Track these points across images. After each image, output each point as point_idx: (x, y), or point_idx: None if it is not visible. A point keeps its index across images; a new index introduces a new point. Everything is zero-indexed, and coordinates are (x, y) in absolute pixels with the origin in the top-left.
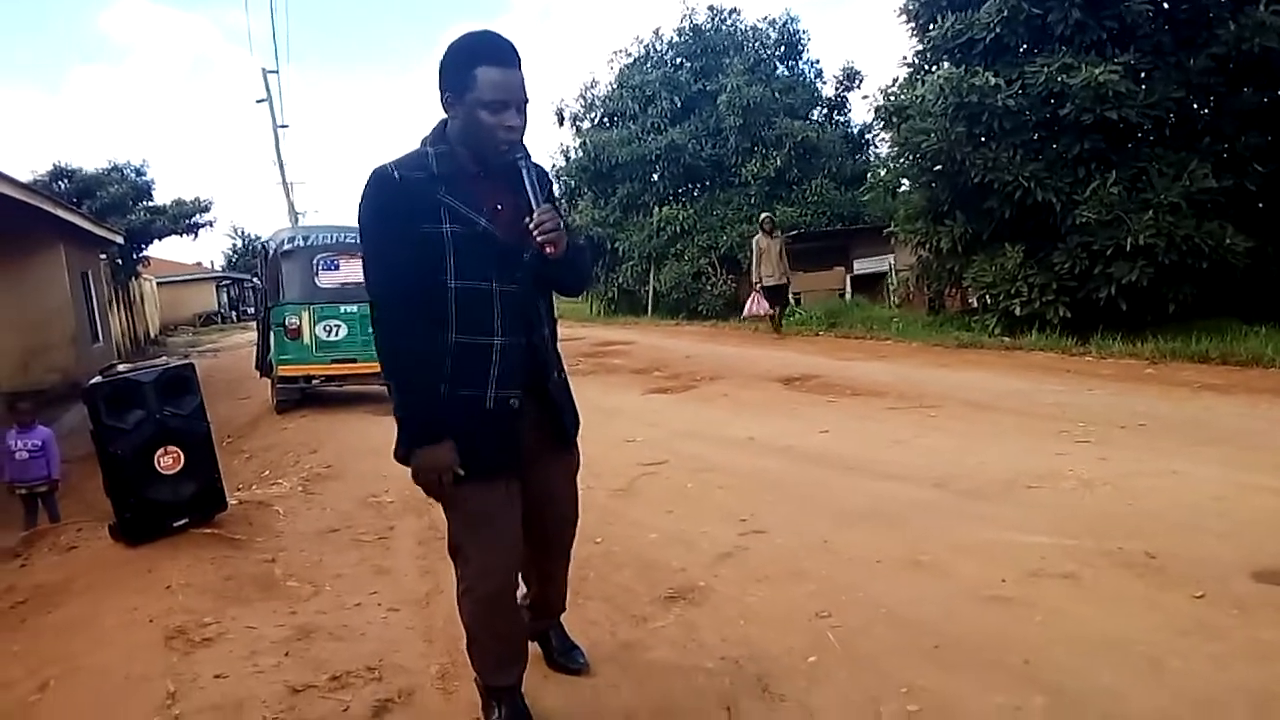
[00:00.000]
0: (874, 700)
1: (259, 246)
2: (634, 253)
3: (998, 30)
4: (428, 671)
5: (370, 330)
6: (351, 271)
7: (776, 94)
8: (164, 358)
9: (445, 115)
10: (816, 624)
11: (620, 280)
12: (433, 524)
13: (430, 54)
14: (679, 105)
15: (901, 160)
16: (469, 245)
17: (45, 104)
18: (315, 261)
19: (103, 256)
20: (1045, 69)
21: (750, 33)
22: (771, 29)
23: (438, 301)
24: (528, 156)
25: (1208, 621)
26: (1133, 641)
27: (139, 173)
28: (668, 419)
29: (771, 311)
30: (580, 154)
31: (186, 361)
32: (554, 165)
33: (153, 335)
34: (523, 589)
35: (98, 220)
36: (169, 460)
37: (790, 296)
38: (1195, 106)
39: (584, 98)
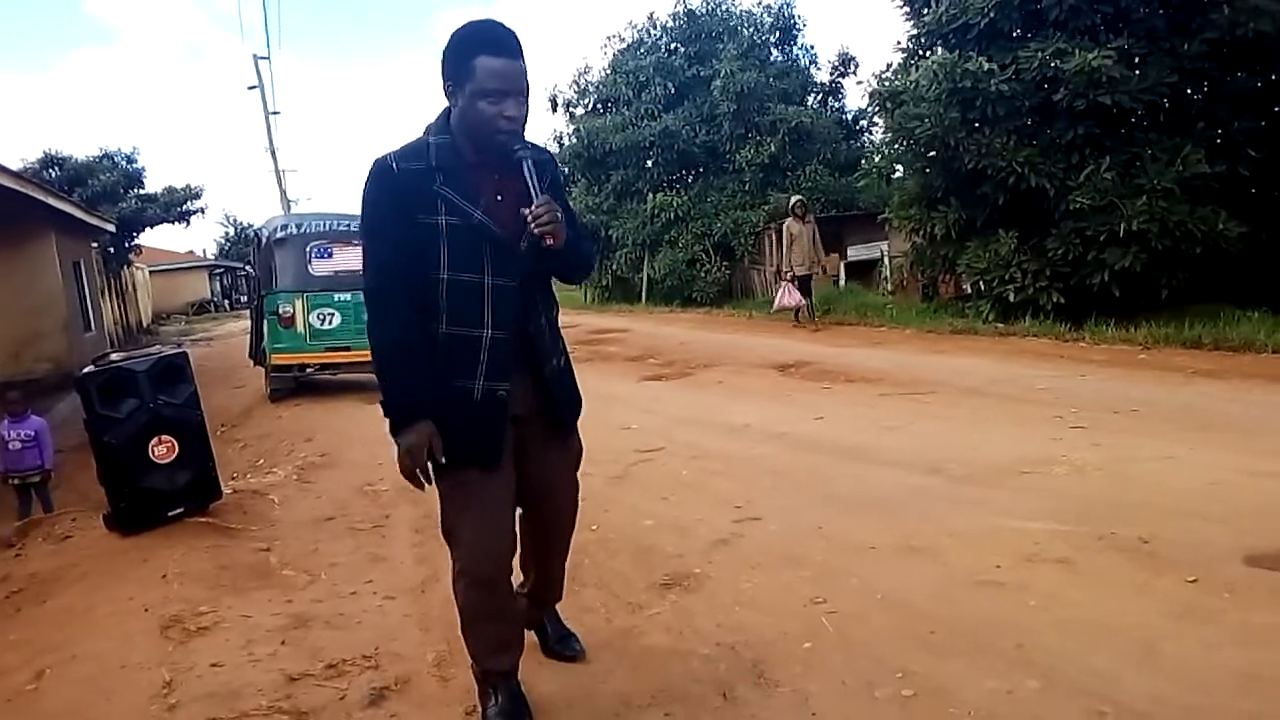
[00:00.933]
0: (869, 685)
1: (252, 234)
2: (628, 240)
3: (992, 15)
4: (424, 659)
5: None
6: (345, 259)
7: (771, 80)
8: (157, 346)
9: (448, 104)
10: (812, 610)
11: (614, 267)
12: (429, 512)
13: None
14: (673, 91)
15: (896, 146)
16: (463, 237)
17: (34, 89)
18: (308, 249)
19: (94, 245)
20: (1039, 54)
21: (745, 17)
22: (766, 14)
23: (429, 293)
24: (527, 146)
25: (1200, 605)
26: (1126, 625)
27: (130, 160)
28: (663, 406)
29: (804, 303)
30: (574, 140)
31: (180, 350)
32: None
33: (145, 324)
34: (519, 577)
35: (89, 208)
36: (163, 449)
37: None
38: (1189, 92)
39: (577, 84)
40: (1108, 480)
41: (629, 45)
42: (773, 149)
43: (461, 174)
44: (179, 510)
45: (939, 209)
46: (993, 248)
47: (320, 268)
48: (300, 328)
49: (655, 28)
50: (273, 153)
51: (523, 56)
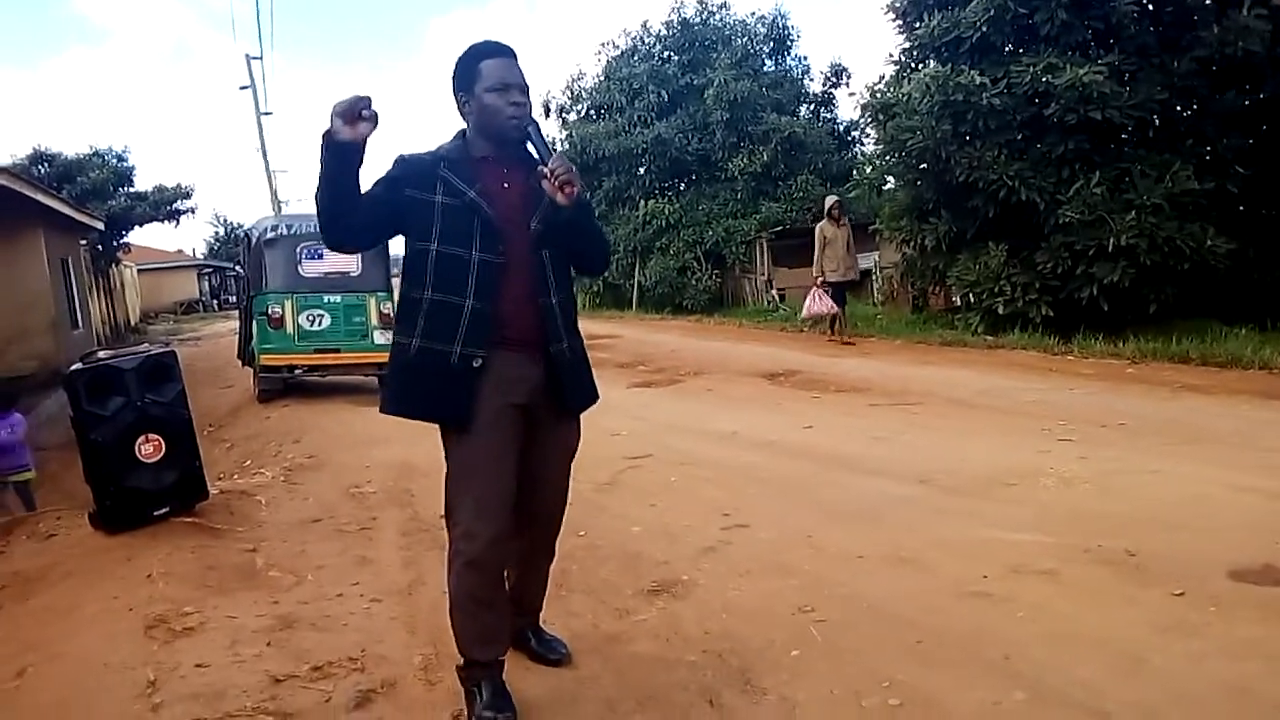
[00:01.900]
0: (856, 694)
1: (241, 234)
2: (619, 246)
3: (984, 29)
4: (410, 662)
5: (353, 320)
6: (335, 261)
7: (764, 89)
8: (145, 345)
9: (463, 121)
10: (799, 618)
11: (605, 274)
12: (415, 515)
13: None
14: (666, 99)
15: (887, 158)
16: (454, 214)
17: (24, 86)
18: (298, 250)
19: (83, 243)
20: (1031, 69)
21: (739, 27)
22: (760, 24)
23: (418, 265)
24: (535, 123)
25: (1186, 619)
26: (1112, 638)
27: (120, 158)
28: (653, 413)
29: (835, 311)
30: (566, 146)
31: (168, 349)
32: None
33: (133, 323)
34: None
35: (78, 206)
36: (150, 448)
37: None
38: (1178, 108)
39: (570, 90)
40: (1095, 493)
41: (623, 52)
42: (765, 158)
43: (464, 164)
44: (165, 510)
45: (929, 221)
46: (982, 260)
47: (310, 269)
48: (289, 329)
49: (649, 35)
50: (264, 153)
51: (518, 61)
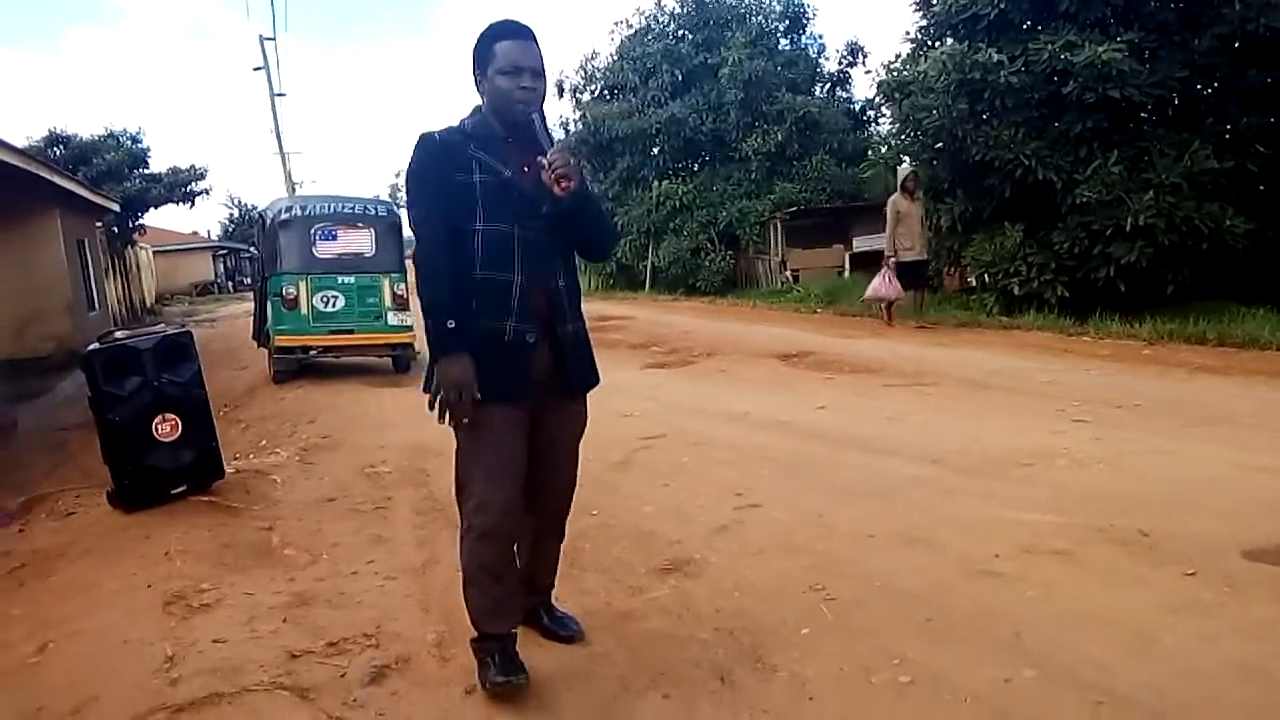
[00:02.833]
0: (866, 671)
1: (256, 216)
2: (632, 227)
3: (1002, 6)
4: (424, 639)
5: (367, 301)
6: (349, 242)
7: (779, 68)
8: (161, 325)
9: (479, 98)
10: (810, 596)
11: (619, 255)
12: (430, 495)
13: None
14: (680, 78)
15: (903, 137)
16: (495, 193)
17: (41, 67)
18: (313, 232)
19: (99, 224)
20: (1049, 46)
21: (754, 5)
22: (775, 2)
23: (466, 243)
24: (541, 112)
25: (1198, 598)
26: (1123, 617)
27: (135, 140)
28: (665, 394)
29: (902, 296)
30: (580, 126)
31: (184, 329)
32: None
33: (149, 304)
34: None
35: (94, 187)
36: (167, 427)
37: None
38: (1198, 87)
39: (584, 70)
40: (1108, 473)
41: (637, 32)
42: (779, 138)
43: (494, 143)
44: (182, 488)
45: (945, 200)
46: (998, 240)
47: (324, 250)
48: (304, 310)
49: (663, 14)
50: (278, 135)
51: (536, 42)
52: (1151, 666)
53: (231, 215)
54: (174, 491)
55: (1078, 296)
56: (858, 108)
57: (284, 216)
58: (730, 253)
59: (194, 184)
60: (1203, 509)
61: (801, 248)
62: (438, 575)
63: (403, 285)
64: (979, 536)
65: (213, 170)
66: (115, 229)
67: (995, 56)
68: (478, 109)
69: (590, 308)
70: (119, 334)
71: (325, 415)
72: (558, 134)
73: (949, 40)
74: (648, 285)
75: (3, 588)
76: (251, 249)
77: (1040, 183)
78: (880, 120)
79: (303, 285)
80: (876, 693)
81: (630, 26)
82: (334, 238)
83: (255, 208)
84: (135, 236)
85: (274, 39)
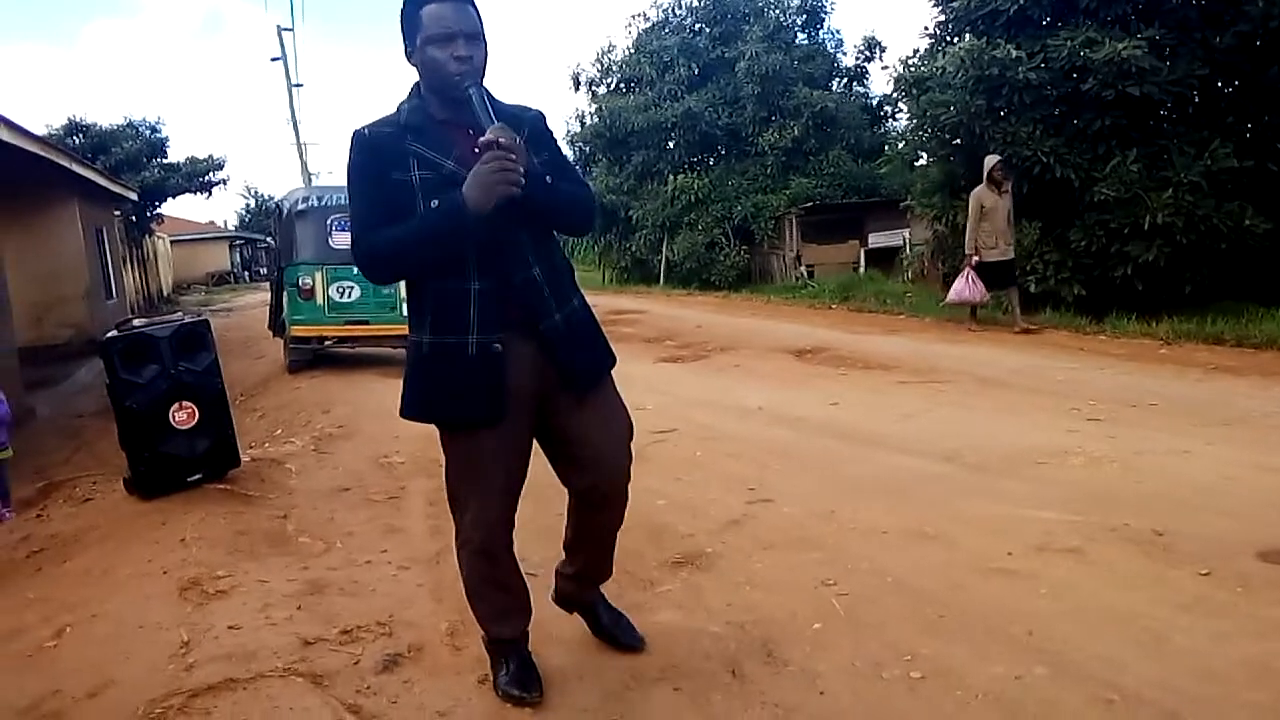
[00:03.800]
0: (877, 666)
1: (273, 206)
2: (647, 221)
3: (1021, 2)
4: (437, 628)
5: (382, 292)
6: None
7: (796, 63)
8: (179, 314)
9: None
10: (822, 591)
11: (633, 249)
12: (443, 485)
13: None
14: (696, 72)
15: (920, 133)
16: (438, 190)
17: (60, 57)
18: (329, 222)
19: (117, 213)
20: (1068, 43)
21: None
22: None
23: None
24: (479, 85)
25: (1211, 598)
26: (1136, 615)
27: (154, 129)
28: (678, 388)
29: (987, 298)
30: (595, 120)
31: (201, 318)
32: (568, 131)
33: (165, 293)
34: (530, 557)
35: (112, 176)
36: (184, 415)
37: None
38: (1219, 85)
39: (600, 63)
40: (1122, 472)
41: (654, 25)
42: (796, 133)
43: (431, 130)
44: (198, 476)
45: (961, 197)
46: (1015, 238)
47: (340, 241)
48: (319, 300)
49: (680, 7)
50: (295, 125)
51: (472, 2)
52: (1164, 665)
53: (248, 205)
54: (190, 479)
55: (1095, 295)
56: (875, 103)
57: (300, 207)
58: (745, 248)
59: (211, 174)
60: (1218, 509)
61: (816, 243)
62: (450, 565)
63: None
64: (992, 534)
65: (230, 160)
66: (133, 218)
67: (1014, 53)
68: (415, 88)
69: (603, 301)
70: (137, 322)
71: (339, 405)
72: (573, 126)
73: (967, 36)
74: (662, 279)
75: (20, 572)
76: (268, 239)
77: (1058, 180)
78: (897, 116)
79: (319, 276)
80: (887, 688)
81: (647, 20)
82: (350, 228)
83: (272, 198)
84: (153, 225)
85: (292, 29)
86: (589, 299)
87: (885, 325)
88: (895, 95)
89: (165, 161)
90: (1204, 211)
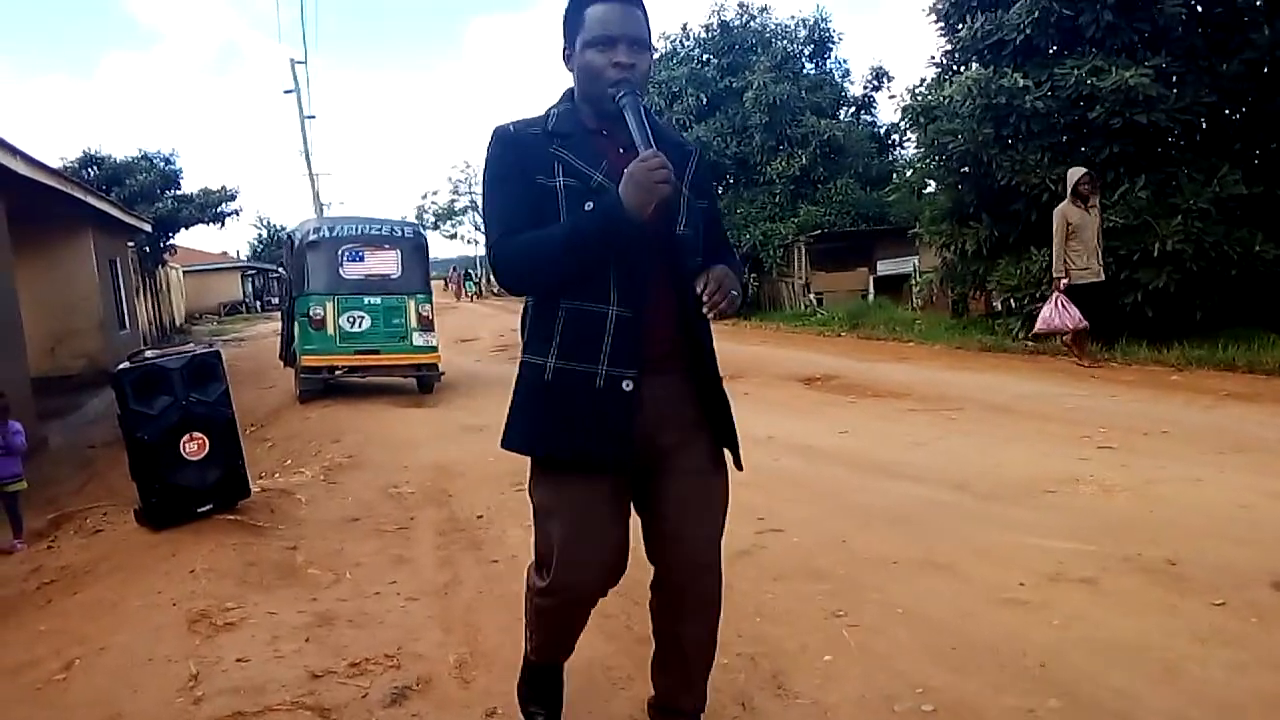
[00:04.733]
0: (889, 699)
1: (284, 237)
2: None
3: (1028, 31)
4: (446, 661)
5: (393, 322)
6: (376, 263)
7: (803, 92)
8: (190, 345)
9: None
10: (833, 623)
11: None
12: (452, 516)
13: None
14: (705, 102)
15: (927, 161)
16: (581, 201)
17: (76, 91)
18: (340, 253)
19: (130, 244)
20: (1075, 71)
21: (779, 30)
22: (801, 27)
23: None
24: (636, 94)
25: (1226, 628)
26: (1150, 646)
27: (168, 161)
28: None
29: (1084, 323)
30: None
31: (213, 349)
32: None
33: (178, 323)
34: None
35: (126, 208)
36: (194, 446)
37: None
38: (1227, 112)
39: None
40: (1134, 501)
41: (662, 56)
42: (804, 161)
43: (581, 139)
44: (208, 507)
45: (970, 225)
46: (1024, 265)
47: (351, 271)
48: (330, 330)
49: (689, 39)
50: (307, 156)
51: (640, 5)
52: (1178, 696)
53: (260, 236)
54: (200, 510)
55: (1105, 322)
56: (882, 131)
57: (312, 238)
58: (754, 275)
59: (224, 205)
60: (1231, 538)
61: (825, 271)
62: (459, 597)
63: (427, 306)
64: (1003, 564)
65: (243, 191)
66: (146, 249)
67: (1021, 81)
68: (568, 93)
69: None
70: (149, 353)
71: (349, 435)
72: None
73: (974, 65)
74: None
75: (31, 604)
76: (279, 269)
77: None
78: (905, 144)
79: (330, 305)
80: None
81: (656, 50)
82: (361, 259)
83: (284, 228)
84: (166, 256)
85: (304, 62)
86: None
87: (894, 353)
88: (903, 124)
89: (179, 193)
90: (1213, 238)
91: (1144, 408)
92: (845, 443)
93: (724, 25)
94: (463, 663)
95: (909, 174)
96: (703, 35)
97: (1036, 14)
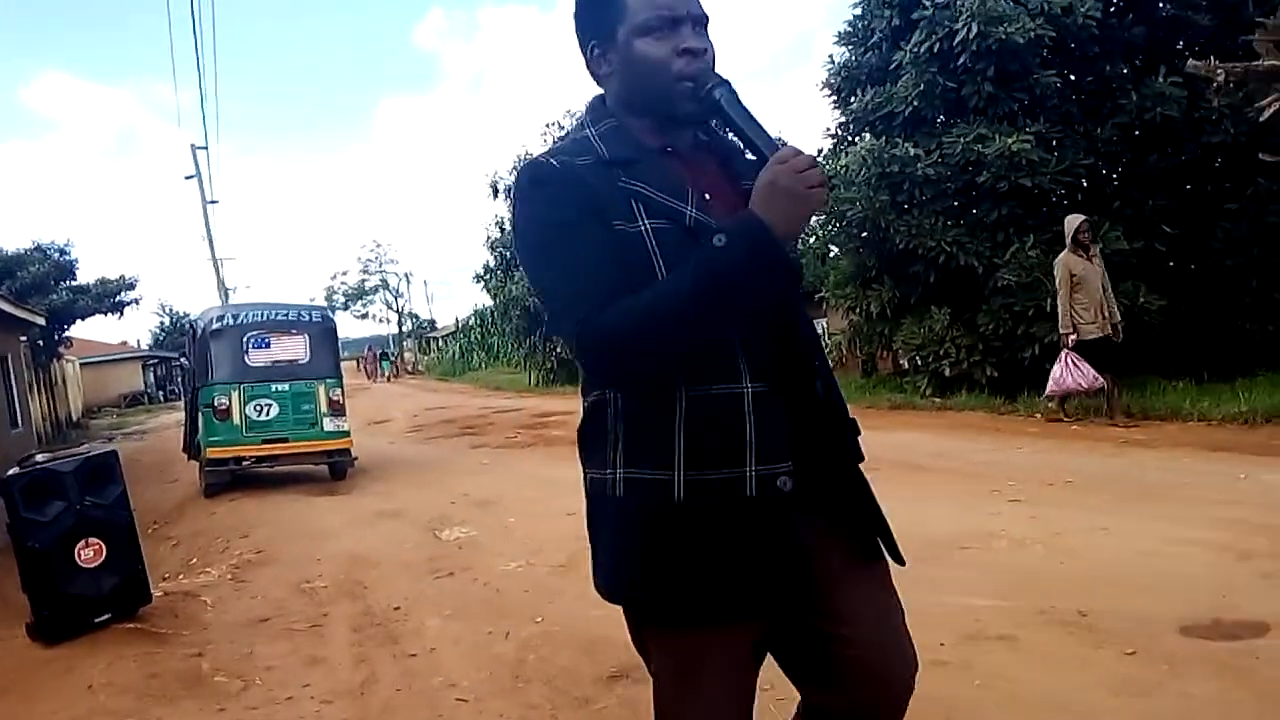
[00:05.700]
0: None
1: (187, 325)
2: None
3: (915, 103)
4: None
5: (302, 408)
6: (283, 349)
7: None
8: (85, 444)
9: (598, 84)
10: (759, 697)
11: (559, 350)
12: (367, 609)
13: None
14: None
15: (829, 227)
16: (680, 248)
17: None
18: (245, 339)
19: (22, 339)
20: (961, 139)
21: None
22: None
23: None
24: (725, 83)
25: (1139, 678)
26: (1067, 702)
27: (63, 251)
28: None
29: (1099, 382)
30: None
31: (109, 449)
32: (489, 237)
33: (75, 418)
34: None
35: (17, 302)
36: (90, 553)
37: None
38: (1104, 172)
39: (518, 169)
40: (1046, 553)
41: (568, 132)
42: None
43: (650, 164)
44: (106, 616)
45: (873, 287)
46: (927, 324)
47: (258, 358)
48: (237, 419)
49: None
50: (210, 241)
51: None
52: None
53: (162, 324)
54: (98, 620)
55: (1006, 375)
56: None
57: (215, 326)
58: None
59: (123, 294)
60: (1140, 586)
61: None
62: (376, 696)
63: (338, 390)
64: (924, 626)
65: (144, 278)
66: (40, 342)
67: (912, 150)
68: (597, 105)
69: (530, 404)
70: (40, 456)
71: (259, 528)
72: (493, 233)
73: (867, 135)
74: None
75: None
76: (182, 359)
77: (963, 268)
78: None
79: (235, 395)
80: None
81: (561, 128)
82: (267, 345)
83: (187, 315)
84: (61, 349)
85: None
86: (515, 402)
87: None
88: None
89: (74, 283)
90: None
91: (1049, 458)
92: None
93: None
94: None
95: (812, 240)
96: None
97: (922, 87)
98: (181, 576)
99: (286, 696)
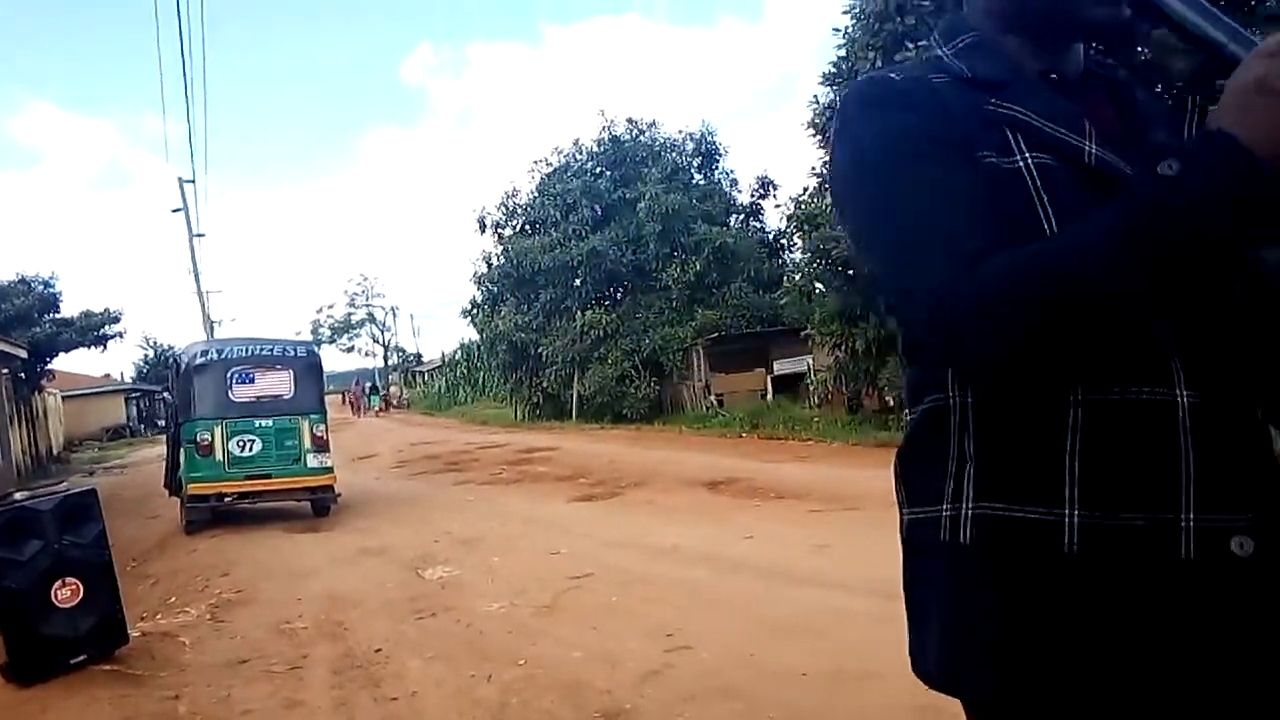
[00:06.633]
0: None
1: (170, 359)
2: (557, 357)
3: None
4: None
5: (285, 444)
6: (267, 384)
7: (694, 201)
8: (64, 481)
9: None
10: (662, 641)
11: (544, 384)
12: (348, 651)
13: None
14: (599, 212)
15: (815, 265)
16: (1077, 193)
17: None
18: (229, 375)
19: (4, 371)
20: None
21: (668, 143)
22: (689, 140)
23: None
24: None
25: None
26: None
27: (47, 284)
28: (593, 528)
29: None
30: (502, 260)
31: (87, 487)
32: (475, 272)
33: (56, 452)
34: None
35: (0, 335)
36: (67, 592)
37: None
38: None
39: (505, 205)
40: None
41: (555, 169)
42: (698, 267)
43: (1032, 89)
44: (82, 657)
45: (859, 325)
46: None
47: (241, 393)
48: (219, 455)
49: (581, 153)
50: (196, 275)
51: None
52: None
53: (146, 356)
54: (74, 661)
55: None
56: (771, 236)
57: (199, 361)
58: (655, 379)
59: (107, 327)
60: None
61: (724, 372)
62: None
63: (322, 426)
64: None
65: (129, 311)
66: (22, 375)
67: None
68: (954, 22)
69: (516, 439)
70: (18, 494)
71: (239, 566)
72: (480, 268)
73: None
74: (574, 414)
75: None
76: (165, 393)
77: None
78: (793, 248)
79: (218, 430)
80: None
81: (550, 164)
82: (251, 380)
83: (171, 348)
84: (43, 382)
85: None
86: (500, 437)
87: (795, 452)
88: (789, 230)
89: (58, 316)
90: None
91: None
92: (750, 550)
93: (615, 139)
94: None
95: (798, 278)
96: (595, 149)
97: None
98: (160, 616)
99: None
